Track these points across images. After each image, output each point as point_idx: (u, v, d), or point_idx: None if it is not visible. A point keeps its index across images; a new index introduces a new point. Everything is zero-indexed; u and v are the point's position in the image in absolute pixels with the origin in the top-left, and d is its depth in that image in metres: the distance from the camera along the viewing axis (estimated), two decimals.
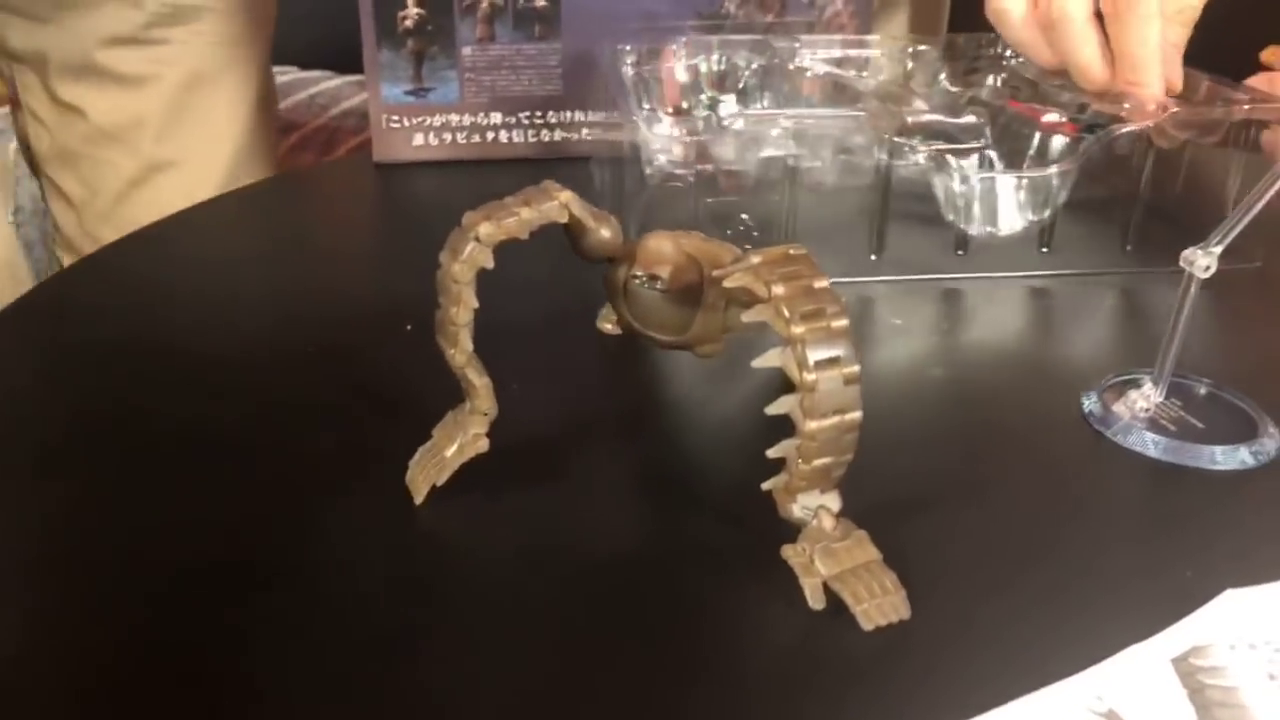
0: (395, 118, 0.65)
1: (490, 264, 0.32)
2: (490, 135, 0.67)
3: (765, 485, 0.31)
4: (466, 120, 0.66)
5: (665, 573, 0.32)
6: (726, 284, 0.30)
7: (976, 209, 0.50)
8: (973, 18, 0.71)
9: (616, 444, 0.39)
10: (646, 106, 0.56)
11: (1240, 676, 0.28)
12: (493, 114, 0.66)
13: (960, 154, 0.50)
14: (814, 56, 0.62)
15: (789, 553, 0.30)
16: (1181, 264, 0.36)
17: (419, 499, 0.34)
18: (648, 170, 0.48)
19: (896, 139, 0.49)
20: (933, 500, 0.35)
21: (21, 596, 0.31)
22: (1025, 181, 0.50)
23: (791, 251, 0.30)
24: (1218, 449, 0.37)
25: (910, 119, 0.51)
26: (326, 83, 1.37)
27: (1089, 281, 0.51)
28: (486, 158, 0.67)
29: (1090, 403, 0.40)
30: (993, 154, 0.52)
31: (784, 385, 0.29)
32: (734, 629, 0.30)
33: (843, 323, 0.29)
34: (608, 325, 0.45)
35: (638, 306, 0.36)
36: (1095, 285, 0.51)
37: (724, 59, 0.62)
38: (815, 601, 0.29)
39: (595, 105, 0.67)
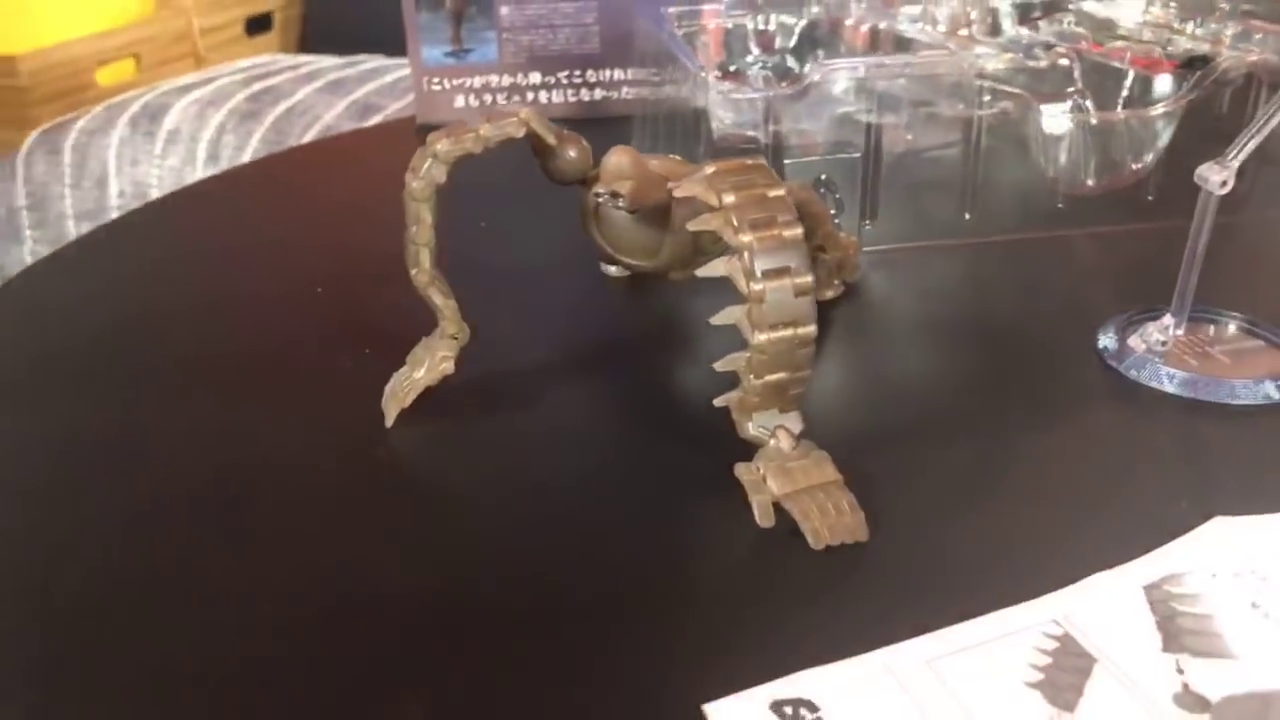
0: (436, 80, 0.66)
1: (443, 179, 0.32)
2: (530, 96, 0.67)
3: (718, 400, 0.30)
4: (506, 81, 0.66)
5: (622, 496, 0.31)
6: (677, 192, 0.29)
7: (1074, 157, 0.47)
8: None
9: (592, 376, 0.38)
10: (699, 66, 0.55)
11: (1217, 604, 0.25)
12: (531, 74, 0.66)
13: (1053, 98, 0.47)
14: (865, 9, 0.60)
15: (741, 471, 0.29)
16: (1196, 180, 0.34)
17: (389, 422, 0.34)
18: (715, 132, 0.46)
19: (983, 83, 0.46)
20: (918, 433, 0.34)
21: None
22: (1128, 125, 0.47)
23: (749, 162, 0.29)
24: (1238, 383, 0.34)
25: (990, 65, 0.49)
26: (409, 69, 1.40)
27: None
28: None
29: (1106, 339, 0.37)
30: (1084, 98, 0.49)
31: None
32: (686, 549, 0.29)
33: (795, 232, 0.28)
34: (612, 269, 0.45)
35: (609, 230, 0.36)
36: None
37: (771, 17, 0.60)
38: (763, 519, 0.28)
39: (633, 63, 0.66)
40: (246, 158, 1.20)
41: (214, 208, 0.59)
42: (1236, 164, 0.33)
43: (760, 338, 0.28)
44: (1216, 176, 0.33)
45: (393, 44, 1.52)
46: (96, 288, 0.47)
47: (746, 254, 0.27)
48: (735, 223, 0.28)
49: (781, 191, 0.28)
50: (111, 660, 0.25)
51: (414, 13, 0.64)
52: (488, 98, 0.67)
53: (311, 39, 1.73)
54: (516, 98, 0.67)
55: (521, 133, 0.33)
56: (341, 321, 0.43)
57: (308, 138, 1.21)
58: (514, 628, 0.26)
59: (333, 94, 1.30)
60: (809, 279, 0.28)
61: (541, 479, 0.32)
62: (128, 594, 0.28)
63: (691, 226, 0.29)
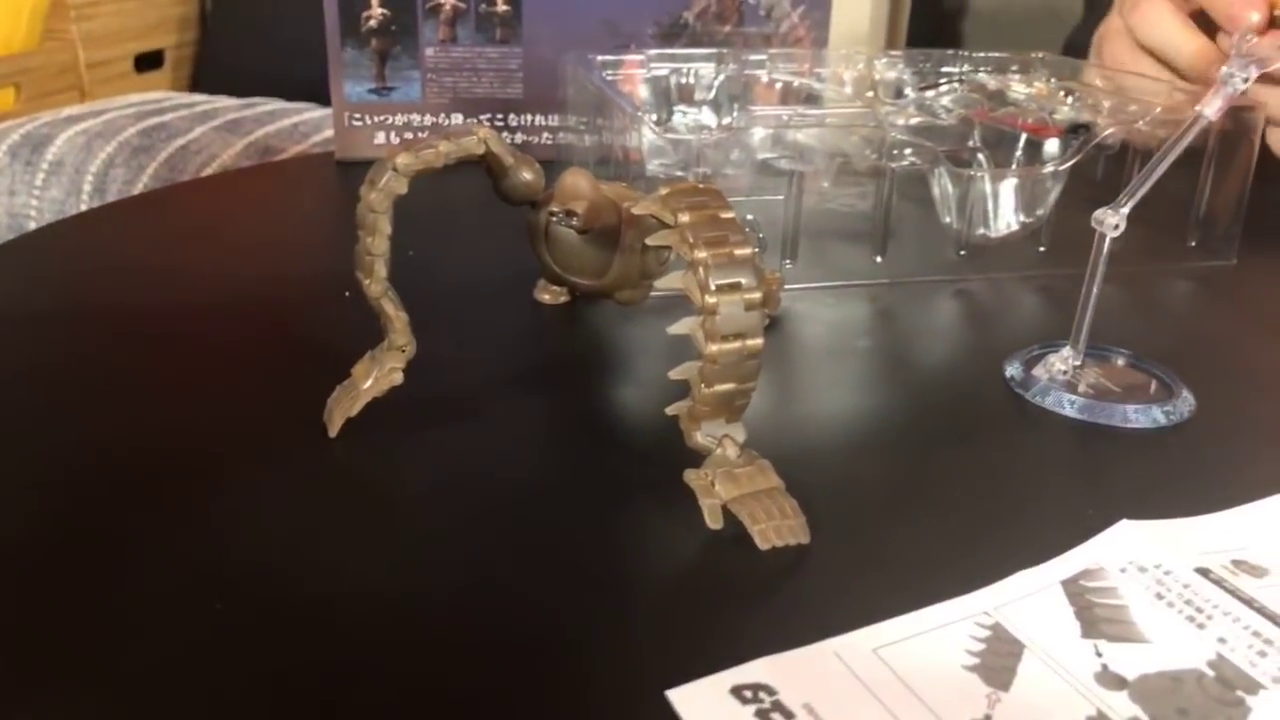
0: (358, 116, 0.67)
1: (404, 190, 0.32)
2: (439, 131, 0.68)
3: (669, 409, 0.31)
4: (428, 120, 0.67)
5: (572, 502, 0.32)
6: (635, 210, 0.31)
7: (973, 210, 0.51)
8: (928, 33, 0.72)
9: (536, 392, 0.39)
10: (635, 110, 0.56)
11: (1128, 596, 0.28)
12: (454, 115, 0.68)
13: (955, 155, 0.51)
14: (780, 69, 0.63)
15: (691, 476, 0.30)
16: (1092, 224, 0.37)
17: (333, 432, 0.34)
18: (647, 173, 0.48)
19: (894, 136, 0.49)
20: (847, 450, 0.36)
21: None
22: (1021, 182, 0.51)
23: (701, 185, 0.31)
24: (1131, 408, 0.37)
25: (901, 121, 0.52)
26: (309, 113, 1.39)
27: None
28: None
29: (1012, 369, 0.40)
30: (982, 156, 0.53)
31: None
32: (638, 551, 0.30)
33: (745, 251, 0.30)
34: (545, 296, 0.46)
35: (558, 250, 0.37)
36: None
37: (692, 71, 0.63)
38: (713, 521, 0.30)
39: (555, 109, 0.68)
40: (136, 191, 1.16)
41: (134, 228, 0.57)
42: (1127, 209, 0.37)
43: (712, 348, 0.29)
44: (1111, 219, 0.37)
45: (289, 88, 1.52)
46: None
47: (701, 269, 0.29)
48: (690, 239, 0.29)
49: (732, 214, 0.30)
50: (38, 651, 0.25)
51: (338, 48, 0.65)
52: (409, 135, 0.67)
53: (204, 79, 1.70)
54: None
55: (481, 150, 0.34)
56: (278, 339, 0.43)
57: (204, 174, 1.18)
58: (471, 627, 0.26)
59: (230, 133, 1.28)
60: (758, 295, 0.29)
61: (492, 487, 0.32)
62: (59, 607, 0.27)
63: (650, 241, 0.30)
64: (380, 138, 0.67)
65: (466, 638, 0.26)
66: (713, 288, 0.29)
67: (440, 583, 0.28)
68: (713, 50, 0.63)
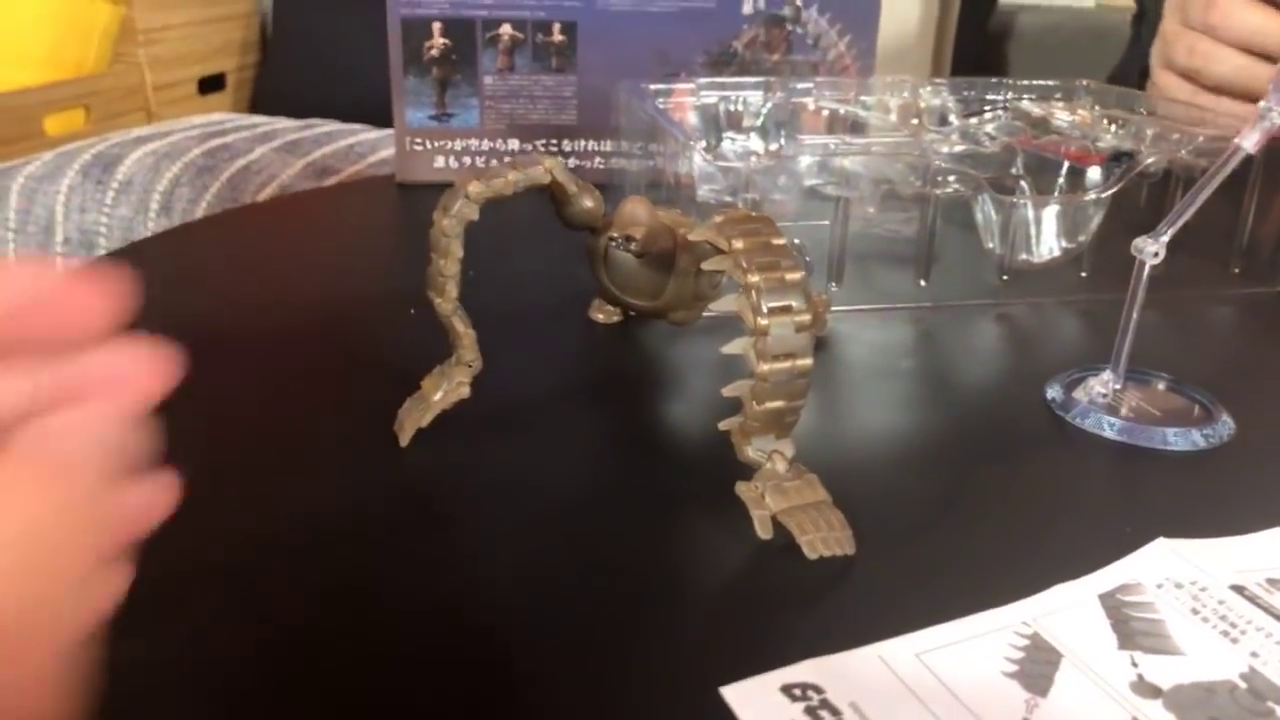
0: (419, 141, 0.69)
1: (475, 217, 0.34)
2: (509, 160, 0.70)
3: (722, 425, 0.33)
4: (485, 145, 0.70)
5: (626, 510, 0.34)
6: (691, 236, 0.33)
7: (1015, 236, 0.52)
8: (974, 58, 0.73)
9: (592, 407, 0.41)
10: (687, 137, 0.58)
11: (1164, 610, 0.29)
12: (510, 140, 0.70)
13: (998, 182, 0.52)
14: (826, 96, 0.65)
15: (742, 489, 0.32)
16: (1132, 251, 0.38)
17: (404, 440, 0.36)
18: (698, 198, 0.50)
19: (938, 163, 0.51)
20: (891, 466, 0.37)
21: None
22: (1063, 208, 0.52)
23: (753, 213, 0.33)
24: (1170, 430, 0.38)
25: (945, 149, 0.54)
26: (365, 134, 1.43)
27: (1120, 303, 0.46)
28: None
29: (1053, 391, 0.42)
30: (1025, 183, 0.54)
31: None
32: (690, 558, 0.32)
33: (797, 275, 0.31)
34: (599, 315, 0.48)
35: (616, 272, 0.39)
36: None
37: (740, 99, 0.65)
38: (763, 531, 0.31)
39: (609, 134, 0.70)
40: (200, 212, 1.20)
41: (199, 252, 0.60)
42: (1167, 237, 0.38)
43: (764, 367, 0.31)
44: (1150, 248, 0.38)
45: (345, 110, 1.56)
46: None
47: (754, 293, 0.31)
48: (744, 265, 0.31)
49: (783, 240, 0.32)
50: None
51: (400, 76, 0.68)
52: (467, 160, 0.70)
53: (263, 102, 1.75)
54: (494, 161, 0.70)
55: (547, 179, 0.36)
56: (349, 355, 0.45)
57: (264, 195, 1.22)
58: (528, 625, 0.28)
59: (289, 154, 1.32)
60: (808, 317, 0.31)
61: (550, 494, 0.34)
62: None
63: (705, 266, 0.32)
64: (440, 161, 0.70)
65: (522, 634, 0.28)
66: (765, 310, 0.31)
67: (499, 580, 0.30)
68: (761, 79, 0.65)
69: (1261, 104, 0.36)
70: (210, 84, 1.74)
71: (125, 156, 1.27)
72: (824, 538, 0.31)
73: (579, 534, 0.32)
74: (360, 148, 1.38)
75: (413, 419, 0.36)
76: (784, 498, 0.32)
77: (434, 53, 0.68)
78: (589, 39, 0.68)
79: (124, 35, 1.59)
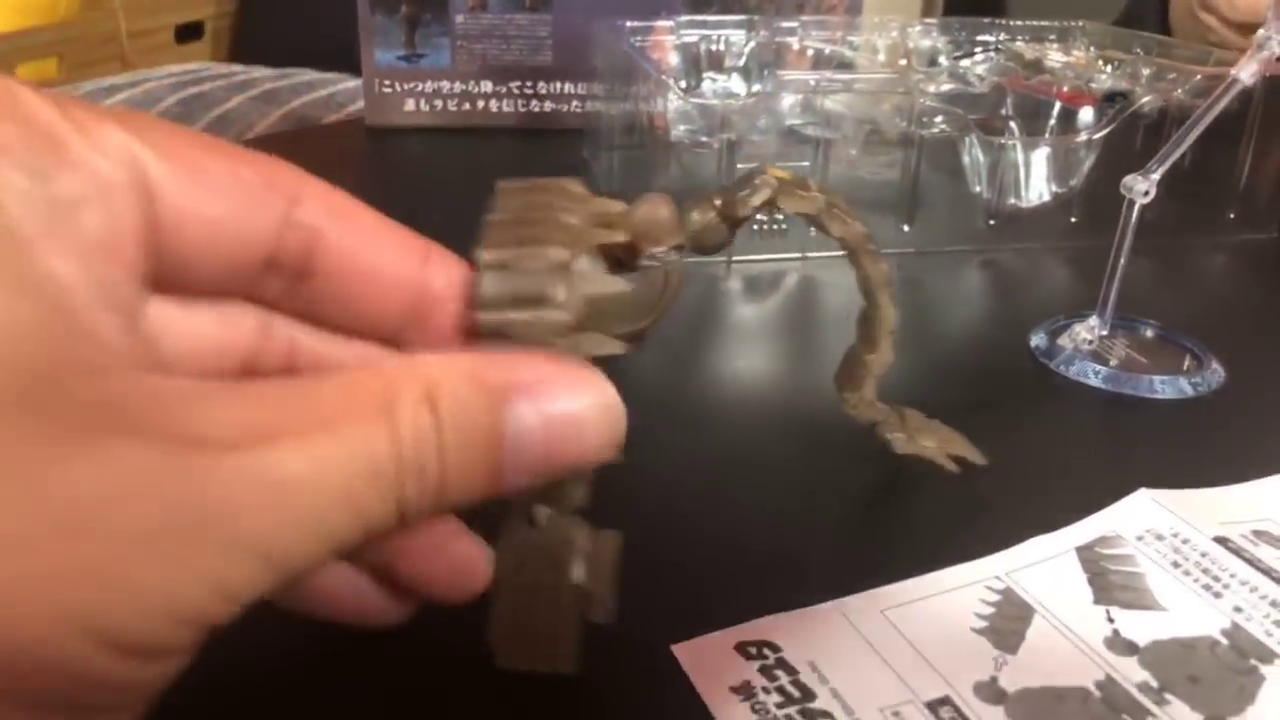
0: (388, 82, 0.67)
1: None
2: (480, 104, 0.68)
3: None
4: (457, 88, 0.67)
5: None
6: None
7: (1003, 179, 0.50)
8: (959, 10, 0.71)
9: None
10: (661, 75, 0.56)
11: (1143, 563, 0.27)
12: (483, 82, 0.67)
13: (986, 124, 0.50)
14: (812, 36, 0.62)
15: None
16: (1121, 190, 0.36)
17: None
18: (672, 138, 0.48)
19: (923, 102, 0.48)
20: None
21: None
22: (1053, 150, 0.50)
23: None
24: (1157, 378, 0.37)
25: (932, 88, 0.52)
26: (345, 84, 1.40)
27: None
28: (476, 125, 0.68)
29: (1037, 338, 0.40)
30: (1014, 124, 0.52)
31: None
32: (649, 515, 0.30)
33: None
34: None
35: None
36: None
37: (722, 38, 0.62)
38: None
39: (584, 77, 0.68)
40: None
41: None
42: (1158, 174, 0.36)
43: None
44: (1140, 185, 0.36)
45: (327, 60, 1.52)
46: None
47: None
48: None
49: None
50: None
51: (368, 14, 0.65)
52: (438, 103, 0.67)
53: (243, 50, 1.71)
54: (467, 105, 0.68)
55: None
56: None
57: (241, 143, 1.20)
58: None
59: (267, 104, 1.29)
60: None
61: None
62: None
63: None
64: (410, 104, 0.67)
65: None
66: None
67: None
68: (744, 17, 0.62)
69: (1260, 33, 0.34)
70: (188, 32, 1.70)
71: (98, 106, 1.24)
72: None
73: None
74: (340, 97, 1.35)
75: None
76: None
77: None
78: None
79: None
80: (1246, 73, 0.34)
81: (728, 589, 0.27)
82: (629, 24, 0.59)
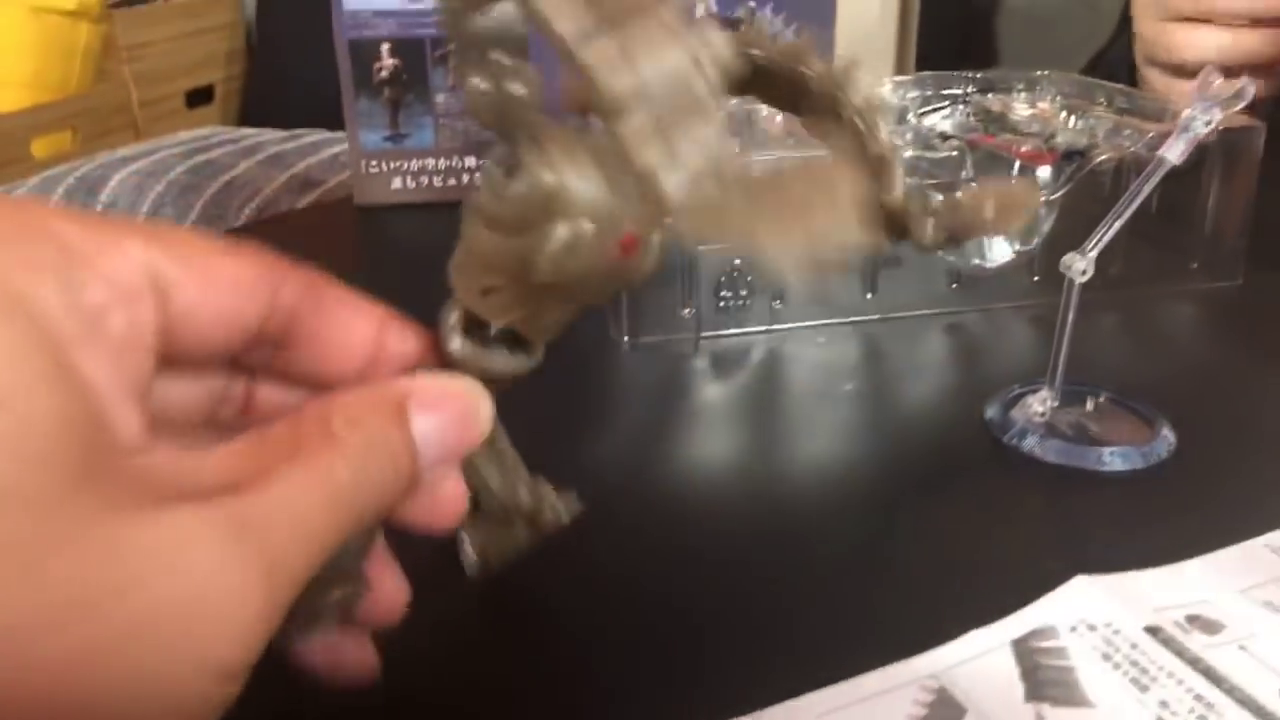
0: (374, 162, 0.69)
1: None
2: (466, 178, 0.70)
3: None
4: (442, 164, 0.69)
5: None
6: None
7: (966, 241, 0.51)
8: (949, 45, 0.71)
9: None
10: None
11: (1075, 656, 0.28)
12: (467, 157, 0.69)
13: (944, 189, 0.51)
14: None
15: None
16: (1061, 269, 0.37)
17: None
18: None
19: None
20: (820, 504, 0.36)
21: None
22: None
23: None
24: (1107, 450, 0.37)
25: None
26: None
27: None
28: (461, 199, 0.70)
29: (992, 410, 0.41)
30: (975, 186, 0.53)
31: None
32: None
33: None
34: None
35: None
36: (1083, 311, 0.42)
37: None
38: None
39: None
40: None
41: None
42: (1094, 253, 0.37)
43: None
44: (1079, 265, 0.37)
45: (332, 118, 1.55)
46: None
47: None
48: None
49: None
50: None
51: (353, 99, 0.67)
52: (424, 180, 0.69)
53: (252, 112, 1.75)
54: (452, 180, 0.70)
55: None
56: None
57: (247, 211, 1.23)
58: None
59: (273, 167, 1.32)
60: None
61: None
62: None
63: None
64: (397, 182, 0.69)
65: None
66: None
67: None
68: None
69: (1185, 113, 0.35)
70: (198, 97, 1.74)
71: (109, 178, 1.27)
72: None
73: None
74: (344, 157, 1.38)
75: None
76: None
77: (384, 74, 0.67)
78: (541, 51, 0.67)
79: (107, 52, 1.60)
80: (1173, 153, 0.35)
81: (638, 707, 0.28)
82: None
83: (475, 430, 0.23)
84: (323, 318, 0.24)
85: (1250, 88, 0.34)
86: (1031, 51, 0.68)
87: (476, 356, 0.24)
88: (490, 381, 0.24)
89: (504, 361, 0.25)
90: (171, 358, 0.21)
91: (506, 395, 0.25)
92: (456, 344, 0.24)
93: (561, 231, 0.22)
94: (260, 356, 0.24)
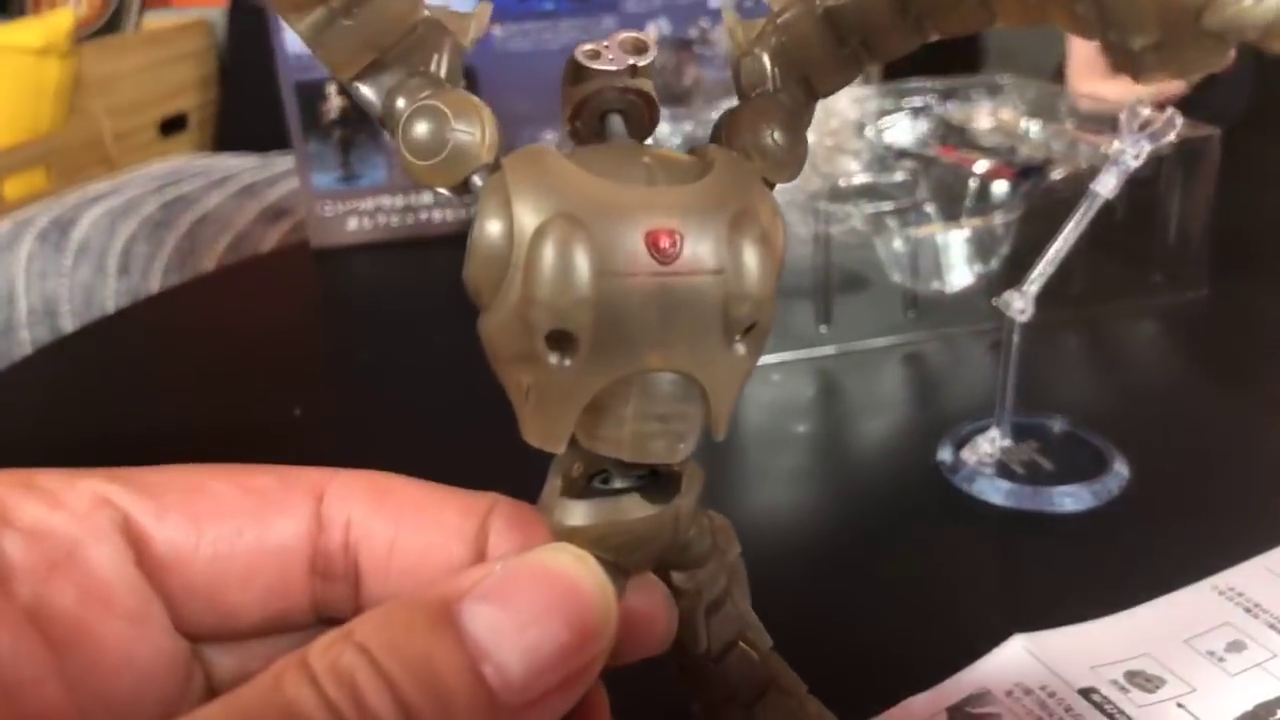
0: (328, 204, 0.68)
1: None
2: (423, 215, 0.69)
3: None
4: (398, 202, 0.69)
5: None
6: None
7: (921, 267, 0.50)
8: (902, 62, 0.71)
9: None
10: None
11: None
12: (423, 194, 0.69)
13: (897, 213, 0.50)
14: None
15: None
16: (999, 307, 0.37)
17: None
18: None
19: (830, 206, 0.49)
20: (764, 562, 0.36)
21: None
22: (971, 233, 0.50)
23: None
24: (1057, 491, 0.37)
25: (842, 182, 0.52)
26: None
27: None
28: (420, 237, 0.69)
29: (944, 452, 0.40)
30: (930, 208, 0.53)
31: None
32: None
33: None
34: None
35: None
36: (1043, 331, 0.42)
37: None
38: None
39: None
40: (158, 267, 1.20)
41: (84, 364, 0.59)
42: (1034, 290, 0.36)
43: None
44: (1018, 304, 0.36)
45: None
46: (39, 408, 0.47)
47: None
48: None
49: None
50: None
51: (303, 144, 0.67)
52: (380, 219, 0.69)
53: (226, 137, 1.75)
54: (409, 218, 0.69)
55: None
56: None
57: (221, 244, 1.22)
58: None
59: (246, 198, 1.31)
60: None
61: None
62: None
63: None
64: (353, 223, 0.69)
65: None
66: None
67: None
68: (668, 110, 0.63)
69: (1115, 145, 0.34)
70: (172, 125, 1.74)
71: (80, 218, 1.26)
72: None
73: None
74: None
75: None
76: None
77: (333, 115, 0.66)
78: (490, 83, 0.67)
79: (77, 87, 1.59)
80: (1105, 187, 0.34)
81: None
82: (551, 135, 0.60)
83: (589, 621, 0.16)
84: (393, 529, 0.19)
85: (1178, 118, 0.33)
86: (999, 56, 0.67)
87: (595, 512, 0.17)
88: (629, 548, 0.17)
89: (639, 509, 0.17)
90: (216, 626, 0.19)
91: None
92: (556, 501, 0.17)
93: None
94: (339, 593, 0.19)
